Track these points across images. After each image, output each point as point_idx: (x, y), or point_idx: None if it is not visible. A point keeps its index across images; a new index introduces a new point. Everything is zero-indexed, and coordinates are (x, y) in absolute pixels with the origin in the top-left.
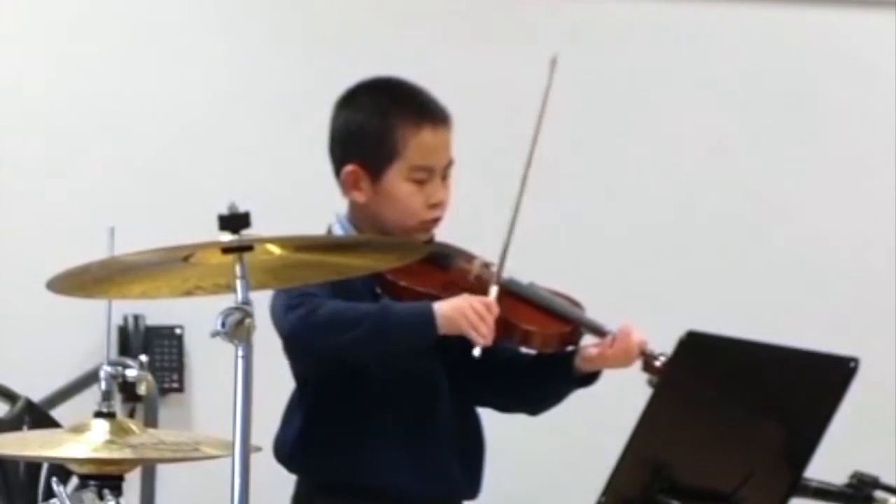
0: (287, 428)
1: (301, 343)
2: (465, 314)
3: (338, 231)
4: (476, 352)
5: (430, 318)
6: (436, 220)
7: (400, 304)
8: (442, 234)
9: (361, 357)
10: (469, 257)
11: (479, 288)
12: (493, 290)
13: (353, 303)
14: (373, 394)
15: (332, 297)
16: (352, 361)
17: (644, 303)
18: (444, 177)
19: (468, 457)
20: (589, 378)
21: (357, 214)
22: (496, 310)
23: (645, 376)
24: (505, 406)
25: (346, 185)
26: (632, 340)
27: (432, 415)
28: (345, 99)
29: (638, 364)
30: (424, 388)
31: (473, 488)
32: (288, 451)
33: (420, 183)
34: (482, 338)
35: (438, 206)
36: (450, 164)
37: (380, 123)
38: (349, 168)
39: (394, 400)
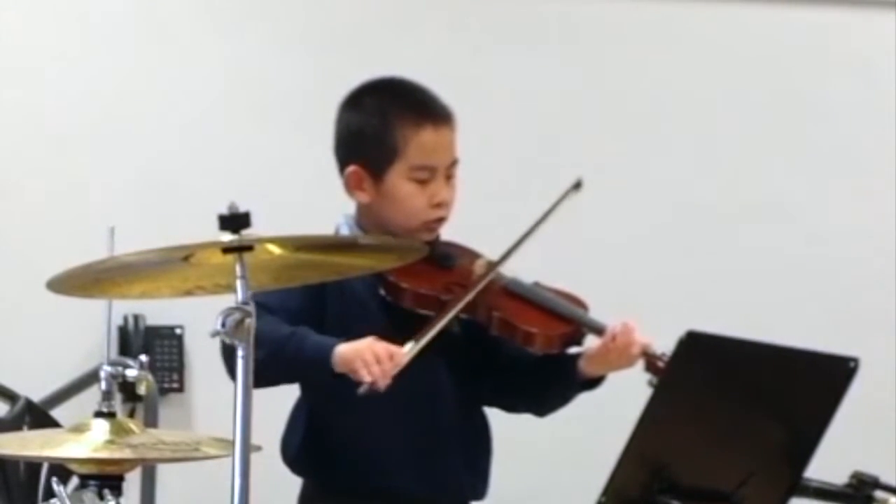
0: (292, 431)
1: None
2: (361, 356)
3: (344, 231)
4: (360, 389)
5: (327, 355)
6: (440, 220)
7: (313, 336)
8: (448, 233)
9: (266, 378)
10: (473, 257)
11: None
12: (409, 346)
13: (278, 325)
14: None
15: (298, 310)
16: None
17: (644, 303)
18: (449, 176)
19: (474, 457)
20: (593, 381)
21: (362, 215)
22: (399, 361)
23: (647, 377)
24: (510, 406)
25: (349, 186)
26: (633, 336)
27: (437, 415)
28: (348, 100)
29: (639, 366)
30: (428, 388)
31: (479, 489)
32: (293, 453)
33: (422, 183)
34: (370, 377)
35: (442, 205)
36: (454, 163)
37: (380, 123)
38: (351, 169)
39: (397, 401)
